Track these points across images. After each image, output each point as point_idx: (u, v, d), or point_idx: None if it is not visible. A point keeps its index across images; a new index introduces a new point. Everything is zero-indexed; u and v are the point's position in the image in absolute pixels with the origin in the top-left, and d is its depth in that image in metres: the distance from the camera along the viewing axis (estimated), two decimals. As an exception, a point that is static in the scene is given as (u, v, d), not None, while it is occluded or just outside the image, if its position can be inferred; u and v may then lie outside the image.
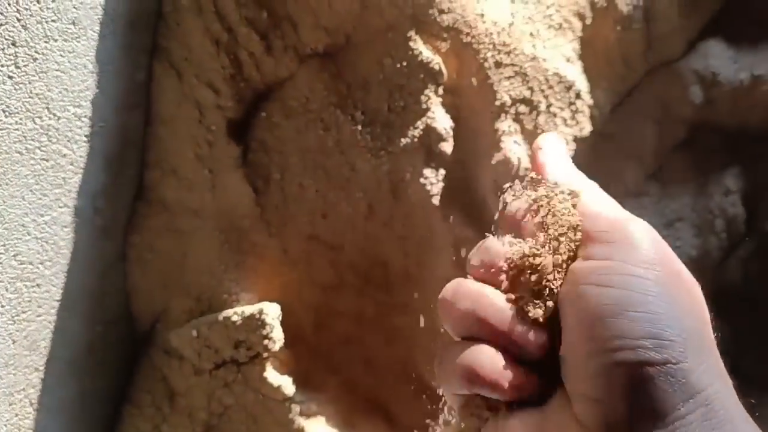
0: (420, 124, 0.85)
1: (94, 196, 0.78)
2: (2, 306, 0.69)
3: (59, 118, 0.69)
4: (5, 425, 0.74)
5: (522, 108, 0.88)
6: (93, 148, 0.75)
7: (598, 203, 0.42)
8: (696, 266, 1.20)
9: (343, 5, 0.81)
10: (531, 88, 0.88)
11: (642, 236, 0.39)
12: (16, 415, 0.76)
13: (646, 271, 0.37)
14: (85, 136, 0.73)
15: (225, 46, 0.80)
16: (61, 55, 0.67)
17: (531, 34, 0.89)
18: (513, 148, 0.87)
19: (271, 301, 0.88)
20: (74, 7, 0.67)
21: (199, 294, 0.87)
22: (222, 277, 0.86)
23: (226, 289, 0.86)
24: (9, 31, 0.61)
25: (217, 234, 0.86)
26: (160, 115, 0.81)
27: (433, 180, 0.87)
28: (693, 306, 0.38)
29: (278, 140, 0.86)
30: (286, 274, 0.90)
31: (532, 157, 0.46)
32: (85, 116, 0.73)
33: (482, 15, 0.86)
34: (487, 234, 0.45)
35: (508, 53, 0.87)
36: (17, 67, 0.63)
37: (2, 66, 0.61)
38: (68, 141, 0.71)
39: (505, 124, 0.87)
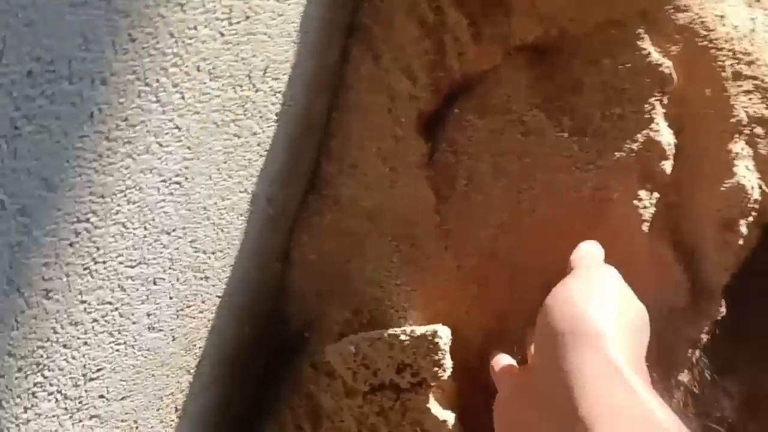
0: (640, 137, 0.73)
1: (271, 183, 0.69)
2: (170, 297, 0.60)
3: (258, 90, 0.60)
4: (150, 430, 0.65)
5: (759, 129, 0.75)
6: (279, 129, 0.66)
7: None
8: None
9: (568, -9, 0.70)
10: (772, 106, 0.75)
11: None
12: (161, 421, 0.67)
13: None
14: (276, 114, 0.65)
15: (430, 28, 0.70)
16: (271, 18, 0.58)
17: (774, 44, 0.76)
18: (745, 174, 0.74)
19: (438, 322, 0.77)
20: (291, -36, 0.59)
21: (360, 305, 0.77)
22: (390, 289, 0.76)
23: (394, 303, 0.76)
24: (229, -19, 0.53)
25: (390, 241, 0.76)
26: (348, 100, 0.72)
27: (647, 203, 0.74)
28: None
29: (470, 141, 0.75)
30: (457, 293, 0.79)
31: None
32: (280, 92, 0.64)
33: (722, 17, 0.73)
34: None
35: (750, 63, 0.74)
36: (230, 24, 0.54)
37: (216, 18, 0.53)
38: (261, 118, 0.62)
39: (739, 146, 0.74)
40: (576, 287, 0.57)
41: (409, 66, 0.71)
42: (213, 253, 0.63)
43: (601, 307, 0.52)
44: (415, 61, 0.71)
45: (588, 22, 0.73)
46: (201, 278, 0.63)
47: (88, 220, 0.47)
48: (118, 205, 0.50)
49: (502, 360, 0.68)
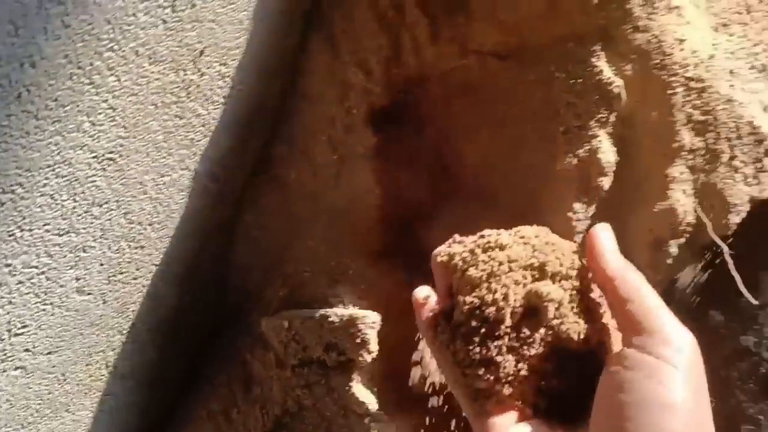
0: (581, 152, 0.75)
1: (215, 162, 0.71)
2: (101, 264, 0.63)
3: (203, 74, 0.62)
4: (78, 384, 0.69)
5: (701, 155, 0.76)
6: (226, 111, 0.68)
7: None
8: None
9: (529, 1, 0.71)
10: (718, 135, 0.76)
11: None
12: (90, 375, 0.71)
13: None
14: (223, 97, 0.66)
15: (389, 24, 0.71)
16: (220, 6, 0.60)
17: (731, 72, 0.76)
18: (680, 198, 0.76)
19: (369, 308, 0.80)
20: (244, -46, 0.59)
21: (299, 284, 0.80)
22: (328, 273, 0.79)
23: (330, 286, 0.79)
24: (174, -30, 0.54)
25: (332, 226, 0.79)
26: (303, 87, 0.73)
27: (581, 216, 0.76)
28: None
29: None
30: (390, 282, 0.82)
31: (588, 245, 0.45)
32: (228, 76, 0.65)
33: (682, 41, 0.74)
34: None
35: (701, 91, 0.75)
36: (173, 11, 0.55)
37: (159, 7, 0.54)
38: (206, 100, 0.64)
39: (678, 170, 0.76)
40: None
41: (365, 59, 0.73)
42: (150, 224, 0.66)
43: None
44: (372, 55, 0.72)
45: (547, 34, 0.74)
46: (136, 247, 0.66)
47: (13, 192, 0.50)
48: (46, 179, 0.52)
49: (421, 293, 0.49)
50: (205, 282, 0.79)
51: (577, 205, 0.76)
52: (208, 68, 0.61)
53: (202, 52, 0.59)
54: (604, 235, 0.46)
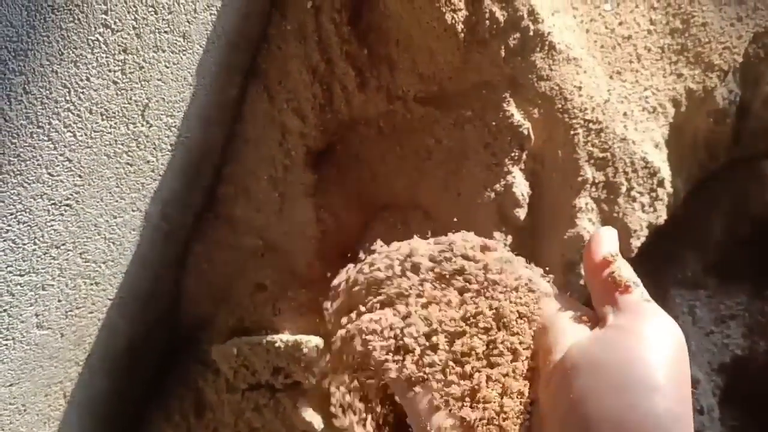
0: (498, 187, 0.84)
1: (165, 203, 0.77)
2: (59, 300, 0.69)
3: (151, 125, 0.69)
4: (38, 414, 0.74)
5: (603, 188, 0.86)
6: (174, 157, 0.75)
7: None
8: (740, 365, 1.16)
9: (444, 56, 0.80)
10: (616, 169, 0.86)
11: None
12: (49, 405, 0.75)
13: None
14: (171, 145, 0.73)
15: (321, 76, 0.80)
16: (166, 66, 0.67)
17: (624, 114, 0.87)
18: (587, 226, 0.85)
19: (311, 333, 0.87)
20: (187, 21, 0.67)
21: (245, 313, 0.87)
22: (272, 301, 0.85)
23: (275, 314, 0.86)
24: (123, 38, 0.61)
25: (275, 258, 0.86)
26: (244, 133, 0.81)
27: (502, 244, 0.85)
28: None
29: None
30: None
31: (588, 244, 0.45)
32: (175, 126, 0.72)
33: (580, 87, 0.84)
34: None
35: (599, 131, 0.85)
36: (123, 74, 0.63)
37: (110, 71, 0.61)
38: (154, 148, 0.71)
39: (583, 201, 0.85)
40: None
41: (300, 108, 0.80)
42: (104, 262, 0.72)
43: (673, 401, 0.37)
44: (306, 103, 0.80)
45: (464, 83, 0.83)
46: (91, 284, 0.72)
47: (-22, 238, 0.56)
48: (9, 225, 0.58)
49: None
50: (158, 313, 0.85)
51: (497, 234, 0.85)
52: (156, 120, 0.68)
53: (149, 106, 0.66)
54: (603, 233, 0.45)
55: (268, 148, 0.82)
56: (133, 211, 0.73)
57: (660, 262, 1.15)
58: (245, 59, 0.78)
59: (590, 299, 0.44)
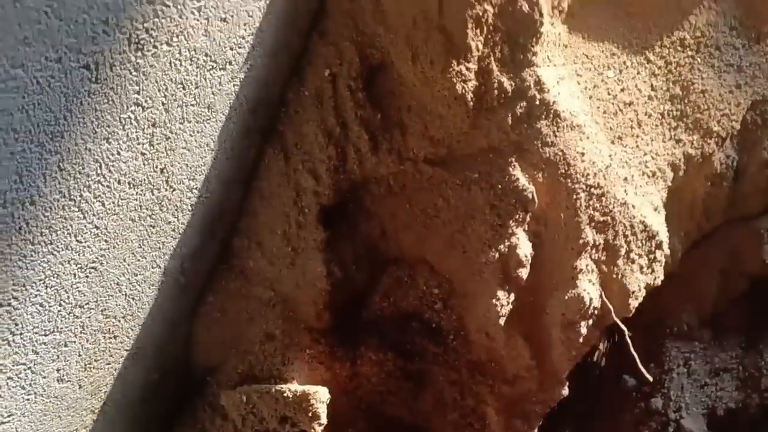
0: (502, 247, 0.87)
1: (184, 258, 0.80)
2: (79, 355, 0.72)
3: (174, 189, 0.72)
4: (53, 460, 0.77)
5: (603, 250, 0.89)
6: (194, 216, 0.78)
7: None
8: (733, 418, 1.19)
9: (454, 122, 0.83)
10: (616, 233, 0.89)
11: None
12: (65, 451, 0.78)
13: None
14: (191, 206, 0.76)
15: (335, 139, 0.83)
16: (190, 135, 0.70)
17: (625, 179, 0.90)
18: (587, 287, 0.89)
19: (318, 384, 0.89)
20: (212, 93, 0.70)
21: (255, 361, 0.89)
22: (281, 350, 0.88)
23: (284, 363, 0.88)
24: (152, 114, 0.64)
25: (286, 309, 0.88)
26: (260, 191, 0.84)
27: (504, 302, 0.88)
28: None
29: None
30: (336, 362, 0.92)
31: None
32: (196, 188, 0.75)
33: (583, 153, 0.87)
34: None
35: (601, 196, 0.88)
36: (151, 145, 0.66)
37: (139, 143, 0.64)
38: (176, 210, 0.74)
39: (584, 263, 0.88)
40: None
41: (315, 168, 0.84)
42: (123, 317, 0.75)
43: None
44: (321, 165, 0.84)
45: (471, 147, 0.86)
46: (110, 338, 0.75)
47: (9, 305, 0.59)
48: (37, 290, 0.61)
49: None
50: (173, 361, 0.88)
51: (500, 293, 0.88)
52: (179, 184, 0.72)
53: (173, 173, 0.69)
54: None
55: (283, 205, 0.85)
56: (153, 268, 0.76)
57: (656, 316, 1.18)
58: (263, 122, 0.82)
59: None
